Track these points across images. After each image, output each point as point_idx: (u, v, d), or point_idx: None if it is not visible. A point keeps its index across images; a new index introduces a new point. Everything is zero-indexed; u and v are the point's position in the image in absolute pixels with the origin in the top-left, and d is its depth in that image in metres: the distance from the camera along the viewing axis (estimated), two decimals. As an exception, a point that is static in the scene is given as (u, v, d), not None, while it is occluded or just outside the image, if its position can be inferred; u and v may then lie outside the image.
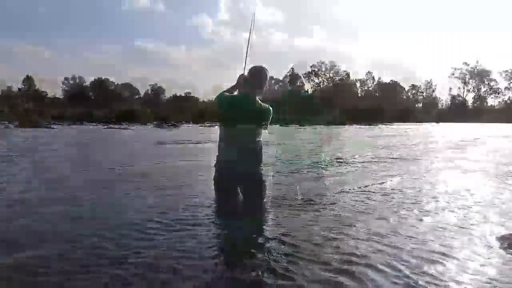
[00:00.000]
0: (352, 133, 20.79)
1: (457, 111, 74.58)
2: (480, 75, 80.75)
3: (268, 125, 3.11)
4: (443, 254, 2.11)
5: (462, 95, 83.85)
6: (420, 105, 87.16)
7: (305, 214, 2.98)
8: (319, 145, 11.00)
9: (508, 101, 79.34)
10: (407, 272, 1.86)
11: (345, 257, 2.05)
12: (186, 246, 2.22)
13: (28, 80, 68.29)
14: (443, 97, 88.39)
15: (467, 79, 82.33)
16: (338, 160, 6.84)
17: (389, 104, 67.72)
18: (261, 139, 3.09)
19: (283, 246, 2.23)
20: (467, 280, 1.80)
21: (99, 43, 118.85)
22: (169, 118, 26.50)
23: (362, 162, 6.59)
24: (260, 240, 2.37)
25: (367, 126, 32.21)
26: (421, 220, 2.85)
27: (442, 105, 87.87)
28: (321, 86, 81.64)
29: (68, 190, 3.82)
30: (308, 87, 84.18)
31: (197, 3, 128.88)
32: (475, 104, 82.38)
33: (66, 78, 78.64)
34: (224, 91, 3.25)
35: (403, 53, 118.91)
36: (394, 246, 2.22)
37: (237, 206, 3.11)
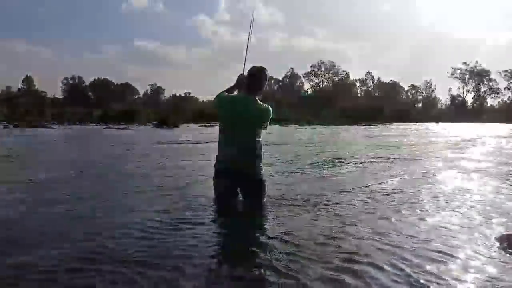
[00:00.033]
0: (352, 133, 20.79)
1: (457, 111, 74.69)
2: (480, 75, 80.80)
3: (268, 125, 3.12)
4: (443, 253, 2.11)
5: (461, 95, 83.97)
6: (420, 105, 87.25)
7: (306, 214, 2.98)
8: (319, 145, 11.00)
9: (508, 101, 79.41)
10: (408, 270, 1.87)
11: (347, 255, 2.06)
12: (188, 245, 2.23)
13: (28, 80, 68.30)
14: (443, 97, 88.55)
15: (466, 79, 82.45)
16: (338, 160, 6.85)
17: (389, 104, 67.78)
18: (260, 139, 3.09)
19: (285, 245, 2.23)
20: (466, 280, 1.80)
21: (99, 43, 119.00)
22: (168, 118, 26.42)
23: (362, 162, 6.60)
24: (262, 239, 2.38)
25: (367, 126, 32.21)
26: (421, 219, 2.85)
27: (441, 105, 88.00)
28: (321, 86, 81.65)
29: (68, 190, 3.82)
30: (307, 87, 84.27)
31: (196, 3, 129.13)
32: (474, 104, 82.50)
33: (65, 78, 78.86)
34: (224, 91, 3.25)
35: (403, 53, 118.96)
36: (396, 245, 2.23)
37: (237, 206, 3.11)
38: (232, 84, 3.30)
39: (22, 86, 66.20)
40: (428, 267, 1.91)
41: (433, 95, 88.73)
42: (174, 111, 36.94)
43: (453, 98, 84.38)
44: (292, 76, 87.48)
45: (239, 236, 2.52)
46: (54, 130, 17.32)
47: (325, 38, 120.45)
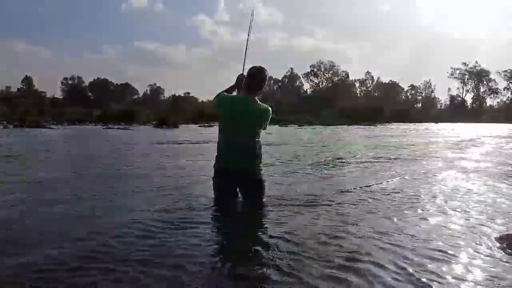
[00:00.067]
0: (352, 133, 20.79)
1: (456, 111, 74.70)
2: (479, 75, 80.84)
3: (267, 125, 3.12)
4: (444, 252, 2.13)
5: (461, 95, 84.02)
6: (419, 105, 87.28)
7: (307, 213, 2.99)
8: (319, 145, 11.00)
9: (507, 101, 79.47)
10: (410, 269, 1.89)
11: (349, 254, 2.07)
12: (191, 244, 2.24)
13: (27, 80, 68.25)
14: (442, 97, 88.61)
15: (466, 79, 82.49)
16: (339, 160, 6.85)
17: (388, 104, 67.79)
18: (260, 139, 3.09)
19: (287, 244, 2.24)
20: (467, 279, 1.82)
21: (99, 43, 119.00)
22: (168, 118, 26.34)
23: (363, 162, 6.60)
24: (264, 238, 2.38)
25: (366, 126, 32.21)
26: (422, 219, 2.87)
27: (441, 105, 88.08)
28: (320, 86, 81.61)
29: (68, 190, 3.82)
30: (307, 87, 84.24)
31: (196, 3, 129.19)
32: (474, 104, 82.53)
33: (65, 78, 78.80)
34: (223, 91, 3.25)
35: (403, 53, 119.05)
36: (397, 244, 2.24)
37: (237, 206, 3.12)
38: (232, 84, 3.30)
39: (22, 86, 66.18)
40: (429, 266, 1.93)
41: (432, 95, 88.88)
42: (173, 111, 36.87)
43: (452, 98, 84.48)
44: (292, 76, 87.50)
45: (241, 235, 2.53)
46: (53, 130, 17.29)
47: (325, 38, 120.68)
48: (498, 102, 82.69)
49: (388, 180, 4.60)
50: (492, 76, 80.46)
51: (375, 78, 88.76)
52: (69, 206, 3.13)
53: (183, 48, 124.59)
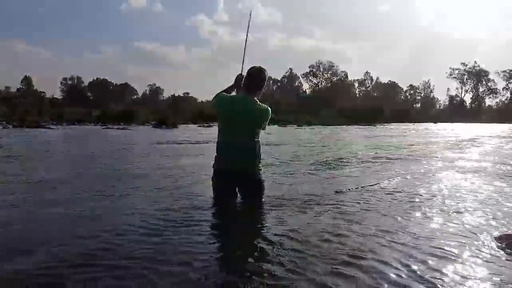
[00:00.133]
0: (351, 133, 20.80)
1: (455, 111, 74.80)
2: (478, 75, 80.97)
3: (267, 126, 3.11)
4: (445, 250, 2.14)
5: (460, 95, 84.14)
6: (418, 105, 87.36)
7: (309, 212, 3.00)
8: (319, 145, 11.00)
9: (506, 101, 79.60)
10: (413, 266, 1.91)
11: (352, 252, 2.08)
12: (195, 241, 2.25)
13: (27, 80, 68.18)
14: (441, 98, 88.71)
15: (465, 79, 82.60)
16: (339, 160, 6.85)
17: (387, 104, 67.81)
18: (259, 139, 3.08)
19: (291, 242, 2.26)
20: (467, 277, 1.83)
21: (98, 43, 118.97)
22: (167, 119, 26.28)
23: (363, 162, 6.61)
24: (268, 236, 2.39)
25: (366, 126, 32.23)
26: (423, 218, 2.88)
27: (440, 106, 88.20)
28: (319, 86, 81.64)
29: (68, 190, 3.81)
30: (306, 87, 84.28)
31: (195, 3, 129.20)
32: (473, 104, 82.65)
33: (64, 78, 78.74)
34: (222, 91, 3.24)
35: (402, 53, 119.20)
36: (399, 242, 2.26)
37: (236, 206, 3.11)
38: (231, 84, 3.30)
39: (21, 86, 66.08)
40: (431, 264, 1.95)
41: (431, 95, 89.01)
42: (173, 112, 36.81)
43: (451, 98, 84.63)
44: (291, 77, 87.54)
45: (245, 233, 2.54)
46: (53, 130, 17.25)
47: (324, 38, 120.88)
48: (497, 102, 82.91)
49: (389, 180, 4.60)
50: (491, 76, 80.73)
51: (374, 78, 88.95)
52: (69, 206, 3.12)
53: (182, 48, 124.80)
